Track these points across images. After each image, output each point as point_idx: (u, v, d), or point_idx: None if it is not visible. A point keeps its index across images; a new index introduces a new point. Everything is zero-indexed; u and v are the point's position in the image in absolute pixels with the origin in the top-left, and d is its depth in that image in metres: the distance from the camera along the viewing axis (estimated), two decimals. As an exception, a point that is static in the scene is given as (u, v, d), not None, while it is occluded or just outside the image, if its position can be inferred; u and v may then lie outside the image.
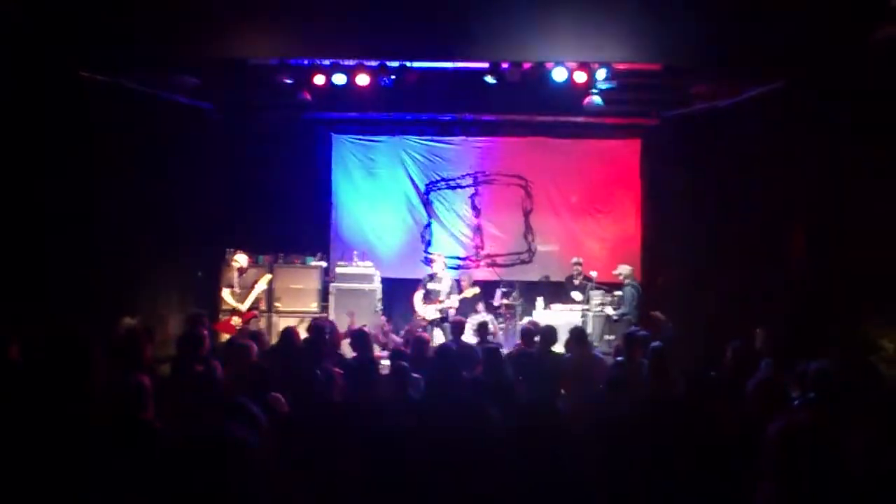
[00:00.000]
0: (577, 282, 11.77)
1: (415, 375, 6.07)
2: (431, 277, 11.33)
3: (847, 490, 2.70)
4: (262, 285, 10.83)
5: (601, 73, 9.86)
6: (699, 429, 3.53)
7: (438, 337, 10.79)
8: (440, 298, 11.13)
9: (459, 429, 4.32)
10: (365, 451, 3.52)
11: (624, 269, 11.47)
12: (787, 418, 2.89)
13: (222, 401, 4.38)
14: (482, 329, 8.55)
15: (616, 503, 3.45)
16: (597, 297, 11.40)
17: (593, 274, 11.54)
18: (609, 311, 11.29)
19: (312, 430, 4.44)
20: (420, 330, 9.94)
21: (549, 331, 7.91)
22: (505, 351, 8.06)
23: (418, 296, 11.27)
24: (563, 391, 7.04)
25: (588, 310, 11.25)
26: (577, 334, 7.95)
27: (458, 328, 8.59)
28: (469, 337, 9.20)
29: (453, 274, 12.09)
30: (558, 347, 7.97)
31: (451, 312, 11.09)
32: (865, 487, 2.91)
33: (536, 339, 7.88)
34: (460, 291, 11.29)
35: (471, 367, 6.82)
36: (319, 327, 7.57)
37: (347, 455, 3.43)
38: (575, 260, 11.89)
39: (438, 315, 11.11)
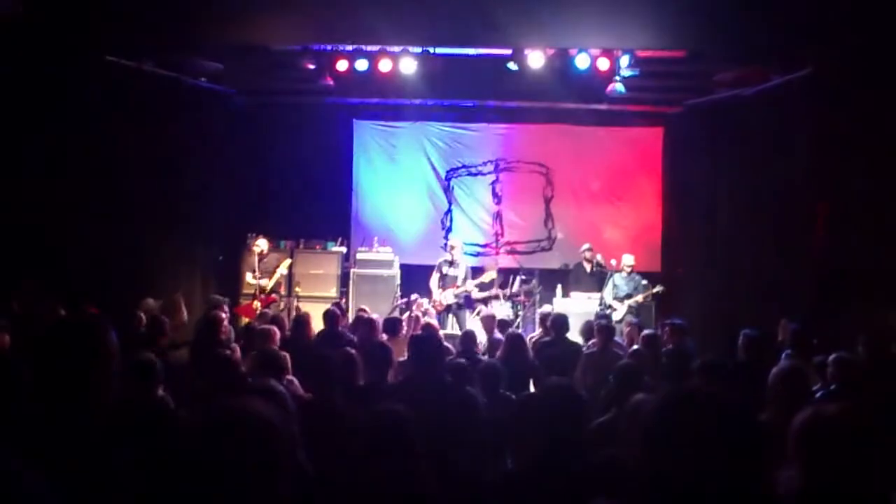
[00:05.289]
0: (589, 269, 11.48)
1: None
2: (449, 263, 11.25)
3: (873, 479, 2.68)
4: (282, 270, 10.93)
5: (624, 60, 9.81)
6: (715, 419, 3.49)
7: (453, 325, 10.81)
8: (457, 284, 11.08)
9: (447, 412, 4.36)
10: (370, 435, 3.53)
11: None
12: (814, 409, 2.86)
13: (242, 384, 4.40)
14: (489, 321, 8.49)
15: (630, 490, 3.44)
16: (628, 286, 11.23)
17: (613, 262, 11.40)
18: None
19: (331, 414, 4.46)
20: (423, 317, 9.91)
21: (562, 318, 7.87)
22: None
23: (434, 280, 11.21)
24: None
25: (604, 299, 11.09)
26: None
27: (489, 323, 8.52)
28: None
29: (472, 261, 12.06)
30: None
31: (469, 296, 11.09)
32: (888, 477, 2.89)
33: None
34: (475, 277, 11.23)
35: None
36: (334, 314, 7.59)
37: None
38: (585, 246, 11.66)
39: (455, 300, 11.08)
